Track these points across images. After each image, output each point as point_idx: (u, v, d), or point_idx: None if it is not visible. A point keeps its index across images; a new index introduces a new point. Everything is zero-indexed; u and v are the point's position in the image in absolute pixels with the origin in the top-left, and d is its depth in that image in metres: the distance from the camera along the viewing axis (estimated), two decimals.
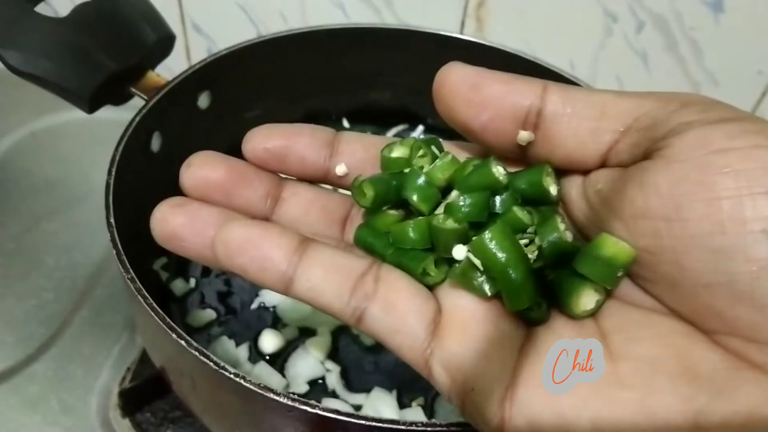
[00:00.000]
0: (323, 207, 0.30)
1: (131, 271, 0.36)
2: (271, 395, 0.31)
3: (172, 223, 0.27)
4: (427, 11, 0.69)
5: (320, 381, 0.44)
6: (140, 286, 0.36)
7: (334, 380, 0.44)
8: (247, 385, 0.32)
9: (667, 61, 0.65)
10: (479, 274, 0.24)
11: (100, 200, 0.63)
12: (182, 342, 0.33)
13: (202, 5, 0.75)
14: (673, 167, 0.21)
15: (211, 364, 0.33)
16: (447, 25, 0.69)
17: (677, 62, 0.64)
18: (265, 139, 0.29)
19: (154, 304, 0.35)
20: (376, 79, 0.61)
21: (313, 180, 0.30)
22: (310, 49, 0.56)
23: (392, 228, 0.27)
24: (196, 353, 0.33)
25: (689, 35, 0.62)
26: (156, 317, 0.34)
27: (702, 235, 0.20)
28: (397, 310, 0.24)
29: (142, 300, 0.35)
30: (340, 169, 0.29)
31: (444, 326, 0.24)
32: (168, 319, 0.34)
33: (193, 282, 0.49)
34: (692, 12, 0.61)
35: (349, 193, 0.29)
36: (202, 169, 0.28)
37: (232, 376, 0.32)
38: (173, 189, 0.53)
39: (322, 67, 0.58)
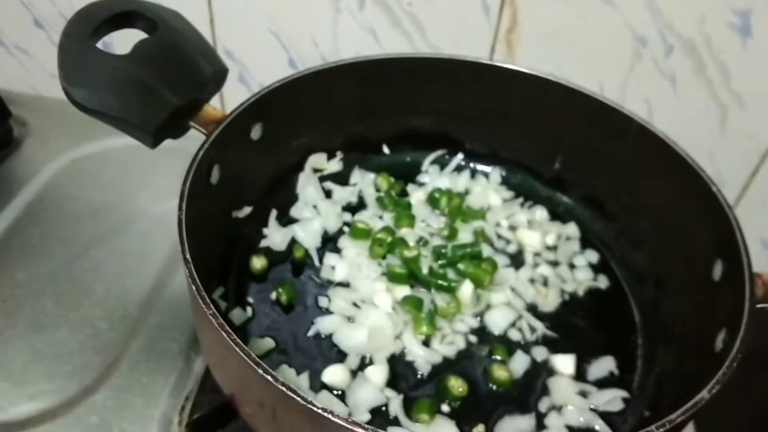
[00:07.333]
0: None
1: (212, 307, 0.37)
2: (359, 429, 0.32)
3: None
4: (458, 36, 0.70)
5: (383, 408, 0.45)
6: (223, 321, 0.36)
7: (396, 408, 0.45)
8: (335, 419, 0.33)
9: (695, 83, 0.66)
10: None
11: (144, 227, 0.64)
12: (269, 377, 0.34)
13: (235, 32, 0.76)
14: None
15: (299, 399, 0.34)
16: (478, 49, 0.70)
17: (705, 85, 0.66)
18: None
19: (238, 339, 0.36)
20: (413, 106, 0.62)
21: None
22: (353, 80, 0.57)
23: None
24: (284, 388, 0.34)
25: (718, 58, 0.64)
26: (241, 353, 0.35)
27: None
28: None
29: (225, 336, 0.36)
30: None
31: None
32: (253, 354, 0.35)
33: (250, 311, 0.50)
34: (721, 36, 0.63)
35: None
36: None
37: (319, 410, 0.33)
38: (228, 219, 0.55)
39: (363, 97, 0.60)
